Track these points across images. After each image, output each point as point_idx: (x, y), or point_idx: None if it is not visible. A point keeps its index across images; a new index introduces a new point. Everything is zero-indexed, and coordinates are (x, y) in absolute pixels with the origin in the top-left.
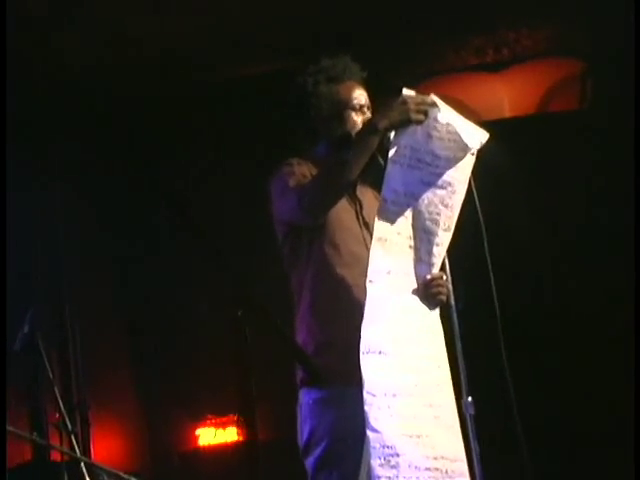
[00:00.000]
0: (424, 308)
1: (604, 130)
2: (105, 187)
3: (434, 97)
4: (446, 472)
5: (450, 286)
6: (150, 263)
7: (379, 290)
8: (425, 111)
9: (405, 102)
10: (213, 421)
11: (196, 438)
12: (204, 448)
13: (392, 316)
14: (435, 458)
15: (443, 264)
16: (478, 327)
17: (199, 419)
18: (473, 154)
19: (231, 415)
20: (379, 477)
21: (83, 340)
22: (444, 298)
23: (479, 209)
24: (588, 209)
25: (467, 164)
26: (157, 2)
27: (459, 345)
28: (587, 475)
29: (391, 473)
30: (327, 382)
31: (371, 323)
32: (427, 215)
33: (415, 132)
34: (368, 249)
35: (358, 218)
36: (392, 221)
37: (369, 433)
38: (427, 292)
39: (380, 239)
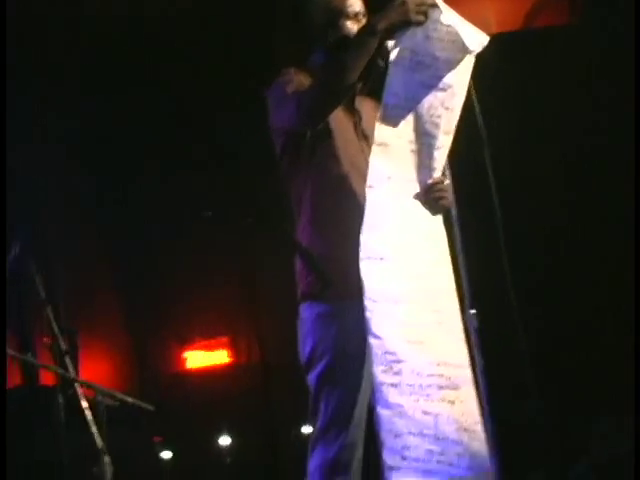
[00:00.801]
0: (426, 213)
1: (593, 46)
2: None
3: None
4: (449, 378)
5: (451, 193)
6: (138, 180)
7: (379, 195)
8: (425, 12)
9: (404, 3)
10: (201, 344)
11: (184, 361)
12: (192, 371)
13: (393, 222)
14: (438, 364)
15: (444, 171)
16: (481, 242)
17: (187, 341)
18: (473, 56)
19: (220, 337)
20: (382, 383)
21: (68, 263)
22: (447, 203)
23: (481, 120)
24: (577, 126)
25: (467, 66)
26: None
27: (461, 257)
28: (591, 393)
29: (394, 379)
30: (329, 296)
31: (371, 229)
32: (428, 118)
33: (415, 34)
34: (367, 161)
35: (357, 130)
36: (393, 125)
37: (371, 339)
38: (429, 197)
39: (381, 144)
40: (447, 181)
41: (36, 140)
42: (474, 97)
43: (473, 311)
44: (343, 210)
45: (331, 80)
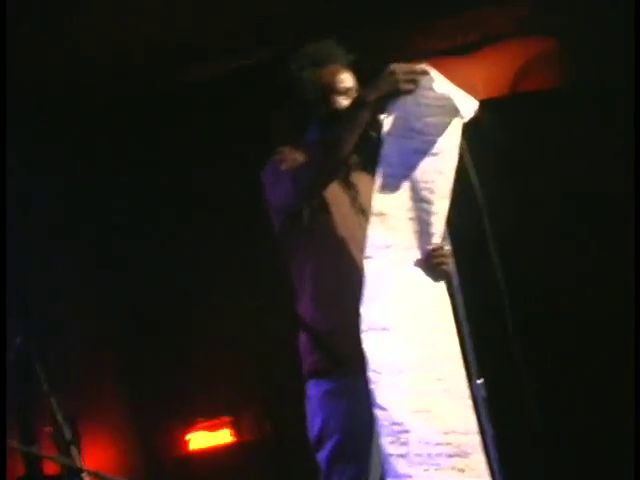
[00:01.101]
0: (428, 280)
1: (583, 108)
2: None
3: (424, 66)
4: (458, 446)
5: (452, 259)
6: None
7: (378, 266)
8: (414, 80)
9: (393, 72)
10: (204, 424)
11: (187, 443)
12: (195, 452)
13: (393, 291)
14: (446, 433)
15: (444, 236)
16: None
17: (190, 423)
18: (463, 119)
19: (223, 417)
20: (390, 455)
21: (67, 350)
22: (448, 269)
23: (476, 182)
24: (568, 187)
25: (456, 129)
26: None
27: (466, 326)
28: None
29: (402, 450)
30: (336, 373)
31: (371, 300)
32: (423, 185)
33: (405, 102)
34: (365, 235)
35: (354, 204)
36: (390, 195)
37: (377, 411)
38: (429, 263)
39: (379, 214)
40: (447, 247)
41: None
42: (468, 160)
43: (480, 381)
44: (345, 285)
45: (324, 155)
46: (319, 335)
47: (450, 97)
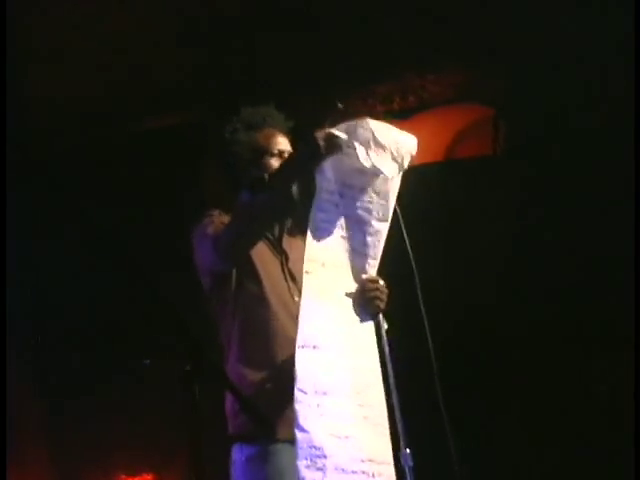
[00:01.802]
0: (360, 310)
1: (516, 175)
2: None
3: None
4: (373, 475)
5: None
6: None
7: (316, 281)
8: (334, 145)
9: (314, 139)
10: None
11: None
12: None
13: (328, 310)
14: (362, 461)
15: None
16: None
17: (111, 478)
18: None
19: (144, 474)
20: (304, 478)
21: None
22: (381, 305)
23: (412, 259)
24: (500, 252)
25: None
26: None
27: (395, 396)
28: None
29: (317, 476)
30: (260, 437)
31: (308, 317)
32: (360, 204)
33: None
34: (294, 301)
35: (284, 270)
36: (324, 211)
37: (297, 433)
38: (363, 295)
39: (312, 229)
40: (382, 282)
41: None
42: (402, 223)
43: (407, 450)
44: (272, 350)
45: (243, 220)
46: (243, 398)
47: (375, 165)
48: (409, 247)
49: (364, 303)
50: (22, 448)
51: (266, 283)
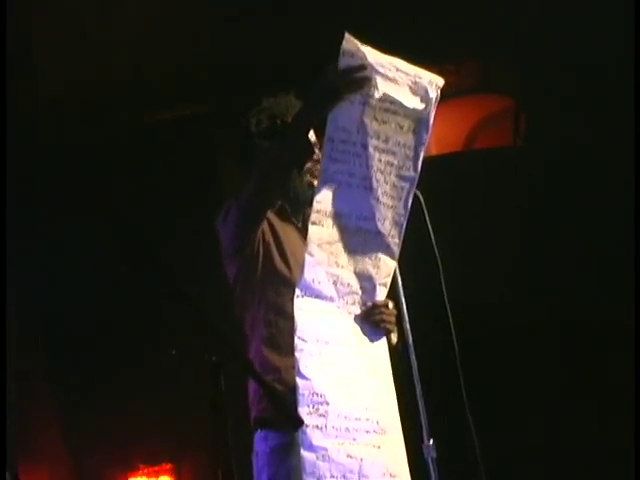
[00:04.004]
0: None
1: (534, 167)
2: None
3: (368, 54)
4: (377, 422)
5: (407, 325)
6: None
7: (324, 232)
8: (353, 81)
9: (328, 79)
10: (145, 470)
11: None
12: None
13: (334, 260)
14: (366, 408)
15: (398, 298)
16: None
17: (131, 468)
18: (427, 108)
19: (164, 464)
20: (307, 426)
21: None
22: (389, 327)
23: (435, 248)
24: (517, 244)
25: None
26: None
27: (418, 387)
28: None
29: (319, 422)
30: (282, 425)
31: (312, 266)
32: (381, 155)
33: (350, 115)
34: None
35: None
36: (340, 161)
37: (298, 380)
38: (371, 319)
39: (325, 180)
40: (391, 304)
41: None
42: (426, 218)
43: (431, 442)
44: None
45: (263, 172)
46: (267, 384)
47: (397, 99)
48: (432, 236)
49: (373, 324)
50: (38, 437)
51: (294, 267)
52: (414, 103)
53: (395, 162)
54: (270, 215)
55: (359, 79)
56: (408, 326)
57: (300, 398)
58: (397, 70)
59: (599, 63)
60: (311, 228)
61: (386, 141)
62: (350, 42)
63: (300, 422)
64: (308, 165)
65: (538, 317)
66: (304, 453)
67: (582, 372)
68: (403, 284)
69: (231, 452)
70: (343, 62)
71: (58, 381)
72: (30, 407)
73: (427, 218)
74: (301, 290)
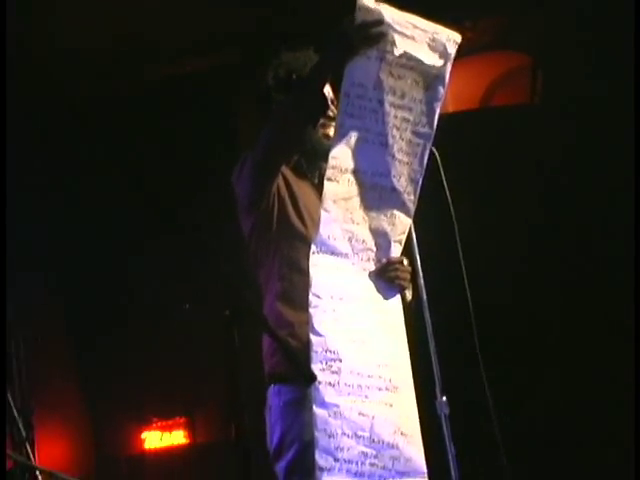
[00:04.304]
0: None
1: (553, 125)
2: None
3: (385, 12)
4: (389, 380)
5: (421, 281)
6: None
7: (340, 188)
8: (369, 36)
9: (345, 33)
10: (159, 424)
11: (142, 441)
12: (150, 451)
13: (349, 219)
14: (379, 365)
15: (413, 255)
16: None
17: (145, 422)
18: (445, 64)
19: (177, 418)
20: (320, 382)
21: (25, 341)
22: (404, 284)
23: (451, 205)
24: (534, 204)
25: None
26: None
27: (432, 342)
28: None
29: (332, 378)
30: (296, 379)
31: (327, 223)
32: (398, 112)
33: (368, 70)
34: None
35: None
36: (357, 117)
37: (311, 336)
38: (385, 276)
39: (341, 135)
40: (406, 261)
41: None
42: (442, 176)
43: (444, 398)
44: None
45: (278, 123)
46: (281, 339)
47: (414, 55)
48: (448, 194)
49: (387, 281)
50: (54, 390)
51: (309, 222)
52: (433, 60)
53: (411, 118)
54: (286, 171)
55: (375, 34)
56: (422, 282)
57: (313, 355)
58: (414, 27)
59: (615, 16)
60: (327, 184)
61: (402, 97)
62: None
63: (313, 378)
64: (323, 121)
65: (555, 280)
66: (316, 410)
67: (582, 372)
68: (418, 241)
69: (244, 406)
70: (359, 16)
71: (75, 332)
72: (47, 357)
73: (443, 175)
74: (317, 246)
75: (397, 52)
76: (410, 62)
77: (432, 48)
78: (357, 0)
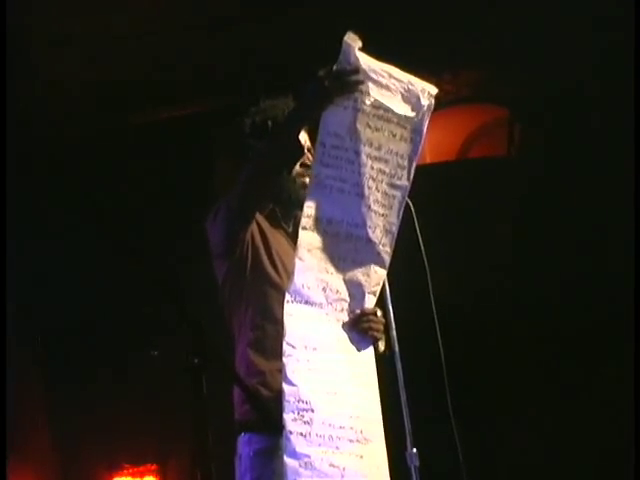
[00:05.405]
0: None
1: (530, 176)
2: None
3: (362, 60)
4: (361, 432)
5: (394, 333)
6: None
7: (313, 238)
8: (346, 83)
9: (322, 82)
10: (130, 470)
11: None
12: None
13: (324, 266)
14: (351, 417)
15: (386, 306)
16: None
17: (116, 468)
18: (419, 116)
19: (148, 464)
20: (291, 432)
21: None
22: (377, 335)
23: (425, 258)
24: (509, 254)
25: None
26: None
27: (403, 394)
28: None
29: (304, 429)
30: (266, 429)
31: (301, 272)
32: (374, 163)
33: (342, 119)
34: None
35: None
36: (330, 166)
37: (284, 386)
38: (359, 327)
39: (316, 185)
40: (379, 313)
41: None
42: (416, 223)
43: (414, 450)
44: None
45: (254, 171)
46: (250, 390)
47: (388, 106)
48: (422, 246)
49: (361, 332)
50: (24, 435)
51: (282, 271)
52: (405, 110)
53: (387, 170)
54: (260, 219)
55: (351, 82)
56: (395, 334)
57: (286, 404)
58: (390, 77)
59: (595, 77)
60: (302, 233)
61: (379, 149)
62: (352, 39)
63: (282, 427)
64: (300, 169)
65: (526, 329)
66: (287, 460)
67: (581, 373)
68: (391, 292)
69: (211, 455)
70: (338, 64)
71: (44, 381)
72: (17, 407)
73: (417, 227)
74: (291, 295)
75: (369, 101)
76: (386, 113)
77: (405, 99)
78: (343, 41)
